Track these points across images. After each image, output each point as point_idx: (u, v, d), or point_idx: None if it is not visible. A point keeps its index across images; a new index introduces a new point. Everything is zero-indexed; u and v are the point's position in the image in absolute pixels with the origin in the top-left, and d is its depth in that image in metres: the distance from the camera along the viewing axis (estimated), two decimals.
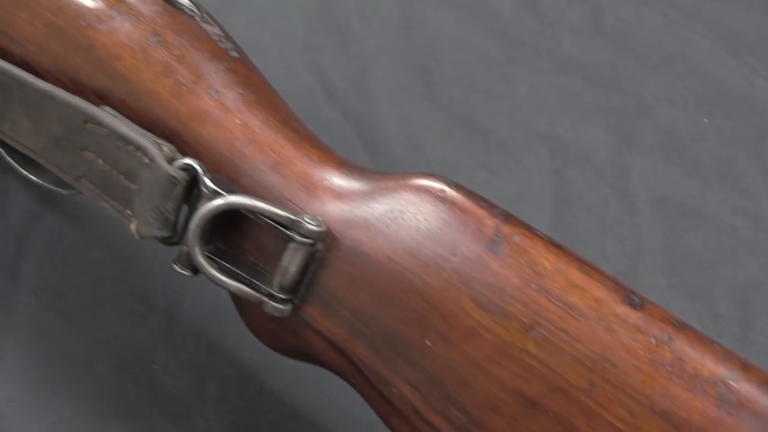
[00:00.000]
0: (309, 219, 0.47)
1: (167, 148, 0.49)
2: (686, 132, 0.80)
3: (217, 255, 0.49)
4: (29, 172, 0.61)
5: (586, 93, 0.81)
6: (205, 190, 0.48)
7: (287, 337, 0.50)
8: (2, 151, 0.61)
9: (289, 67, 0.79)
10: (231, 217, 0.48)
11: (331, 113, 0.77)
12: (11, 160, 0.61)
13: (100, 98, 0.52)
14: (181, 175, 0.48)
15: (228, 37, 0.54)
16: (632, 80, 0.83)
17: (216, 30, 0.54)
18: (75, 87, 0.53)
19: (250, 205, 0.47)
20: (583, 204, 0.75)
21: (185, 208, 0.49)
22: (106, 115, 0.51)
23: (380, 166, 0.73)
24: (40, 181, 0.61)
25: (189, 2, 0.55)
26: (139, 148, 0.49)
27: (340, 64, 0.80)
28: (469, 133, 0.78)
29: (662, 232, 0.74)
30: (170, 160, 0.49)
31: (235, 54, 0.53)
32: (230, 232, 0.49)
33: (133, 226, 0.50)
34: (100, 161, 0.51)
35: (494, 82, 0.81)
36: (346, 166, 0.50)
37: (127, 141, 0.49)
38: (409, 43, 0.82)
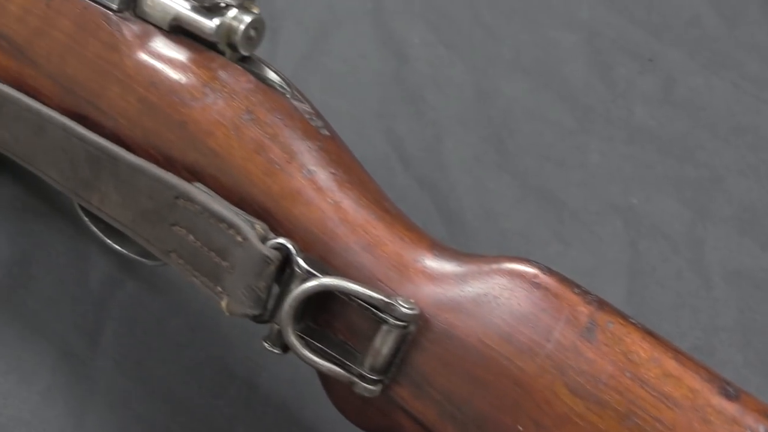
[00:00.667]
0: (403, 302, 0.47)
1: (260, 226, 0.49)
2: (760, 204, 0.80)
3: (306, 333, 0.49)
4: (113, 241, 0.61)
5: (659, 163, 0.81)
6: (298, 270, 0.48)
7: (375, 416, 0.50)
8: (87, 220, 0.61)
9: (364, 134, 0.79)
10: (322, 296, 0.49)
11: (407, 181, 0.77)
12: (96, 229, 0.61)
13: (191, 174, 0.53)
14: (274, 255, 0.48)
15: (318, 115, 0.54)
16: (704, 150, 0.83)
17: (306, 107, 0.54)
18: (166, 162, 0.53)
19: (344, 288, 0.47)
20: (657, 277, 0.74)
21: (276, 287, 0.49)
22: (199, 192, 0.51)
23: (455, 236, 0.74)
24: (124, 251, 0.61)
25: (280, 79, 0.55)
26: (231, 226, 0.49)
27: (414, 131, 0.81)
28: (542, 203, 0.78)
29: (737, 307, 0.74)
30: (263, 239, 0.49)
31: (326, 132, 0.54)
32: (320, 311, 0.49)
33: (224, 303, 0.50)
34: (191, 237, 0.51)
35: (567, 152, 0.81)
36: (437, 247, 0.50)
37: (220, 219, 0.50)
38: (483, 112, 0.82)
